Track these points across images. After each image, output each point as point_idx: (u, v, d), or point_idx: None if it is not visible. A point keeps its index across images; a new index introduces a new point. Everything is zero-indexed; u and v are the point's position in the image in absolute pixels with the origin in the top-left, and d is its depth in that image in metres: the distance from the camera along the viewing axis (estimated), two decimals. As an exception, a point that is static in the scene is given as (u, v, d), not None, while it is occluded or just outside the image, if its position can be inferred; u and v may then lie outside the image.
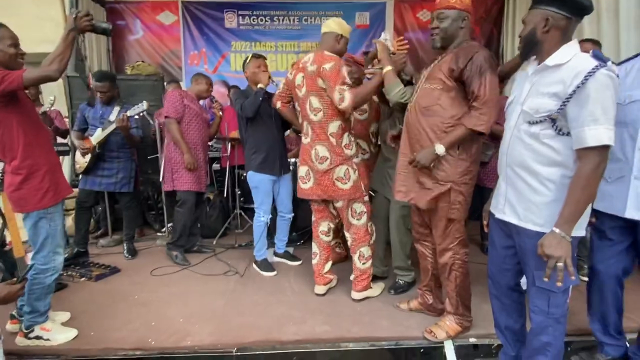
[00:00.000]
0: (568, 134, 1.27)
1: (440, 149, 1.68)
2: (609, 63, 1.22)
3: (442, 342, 1.85)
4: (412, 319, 2.05)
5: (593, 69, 1.20)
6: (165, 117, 2.86)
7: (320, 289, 2.35)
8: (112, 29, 1.84)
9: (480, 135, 1.72)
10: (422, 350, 1.88)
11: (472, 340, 1.89)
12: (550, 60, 1.32)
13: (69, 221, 3.49)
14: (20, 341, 1.85)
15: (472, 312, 1.92)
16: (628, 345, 1.75)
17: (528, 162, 1.35)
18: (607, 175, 1.55)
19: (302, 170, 2.29)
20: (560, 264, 1.22)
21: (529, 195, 1.36)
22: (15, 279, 1.67)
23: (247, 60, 2.72)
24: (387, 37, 2.10)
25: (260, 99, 2.53)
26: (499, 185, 1.52)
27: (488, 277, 1.63)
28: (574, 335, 1.86)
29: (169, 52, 4.97)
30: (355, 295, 2.26)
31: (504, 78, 2.11)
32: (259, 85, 2.57)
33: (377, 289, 2.34)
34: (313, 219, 2.41)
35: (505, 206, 1.45)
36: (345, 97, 2.01)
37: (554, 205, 1.30)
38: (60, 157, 3.45)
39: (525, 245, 1.39)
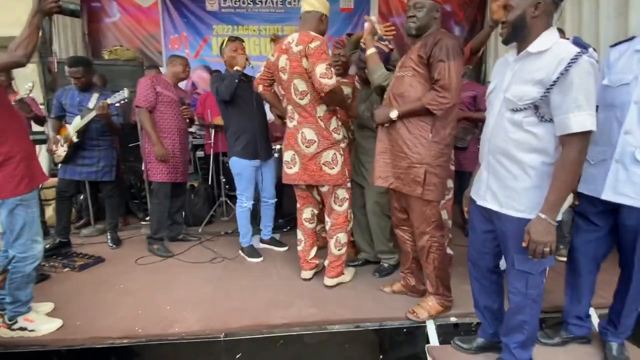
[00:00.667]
0: (550, 120, 1.30)
1: (394, 113, 1.78)
2: (590, 49, 1.23)
3: (424, 322, 1.92)
4: (396, 300, 2.11)
5: (576, 55, 1.21)
6: (136, 106, 2.77)
7: (306, 274, 2.39)
8: (80, 10, 1.77)
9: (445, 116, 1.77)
10: (405, 330, 1.94)
11: (453, 319, 1.96)
12: (532, 47, 1.32)
13: (50, 211, 3.43)
14: (4, 332, 1.83)
15: (453, 293, 1.99)
16: (595, 325, 1.85)
17: (510, 150, 1.37)
18: (590, 158, 1.59)
19: (287, 155, 2.26)
20: (547, 249, 1.27)
21: (510, 183, 1.39)
22: (-6, 270, 1.65)
23: (224, 44, 2.67)
24: (374, 20, 2.08)
25: (237, 81, 2.50)
26: (480, 172, 1.55)
27: (468, 260, 1.69)
28: (549, 312, 1.95)
29: (148, 36, 4.81)
30: (328, 281, 2.27)
31: (476, 52, 2.18)
32: (236, 68, 2.53)
33: (348, 275, 2.37)
34: (297, 205, 2.42)
35: (487, 193, 1.48)
36: (331, 77, 1.96)
37: (533, 192, 1.34)
38: (38, 146, 3.36)
39: (506, 230, 1.43)
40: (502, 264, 1.59)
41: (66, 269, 2.57)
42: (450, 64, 1.68)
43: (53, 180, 3.34)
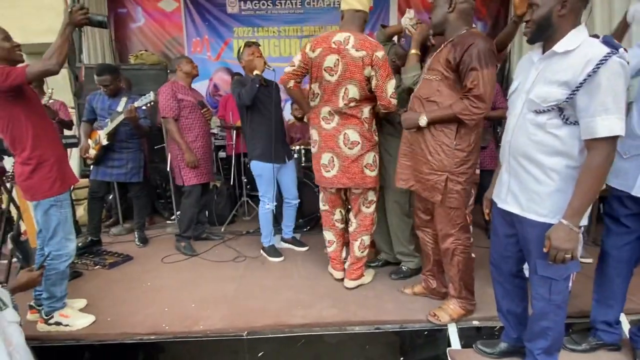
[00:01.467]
0: (575, 123, 1.25)
1: (422, 120, 1.72)
2: (621, 50, 1.18)
3: (446, 325, 1.91)
4: (417, 302, 2.10)
5: (605, 56, 1.16)
6: (162, 117, 2.86)
7: (339, 274, 2.37)
8: (107, 21, 1.86)
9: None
10: (426, 332, 1.93)
11: (475, 323, 1.94)
12: (559, 47, 1.27)
13: (81, 211, 3.59)
14: (41, 327, 1.94)
15: (476, 295, 1.97)
16: (625, 331, 1.78)
17: (532, 153, 1.34)
18: (623, 151, 1.53)
19: (325, 158, 2.19)
20: (568, 256, 1.24)
21: (532, 186, 1.36)
22: (33, 266, 1.75)
23: (241, 50, 2.71)
24: (411, 17, 2.07)
25: (257, 85, 2.53)
26: (501, 175, 1.52)
27: (490, 264, 1.67)
28: (575, 317, 1.90)
29: (171, 40, 4.94)
30: (349, 283, 2.27)
31: (501, 49, 2.06)
32: (255, 72, 2.56)
33: (368, 276, 2.37)
34: (325, 207, 2.39)
35: (508, 196, 1.45)
36: (396, 97, 2.02)
37: (557, 196, 1.31)
38: (69, 149, 3.52)
39: (528, 235, 1.40)
40: (526, 269, 1.56)
41: (97, 267, 2.70)
42: (484, 72, 1.60)
43: (84, 181, 3.50)
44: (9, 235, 2.28)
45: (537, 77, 1.34)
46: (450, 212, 1.81)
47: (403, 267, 2.44)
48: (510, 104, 1.47)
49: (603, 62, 1.16)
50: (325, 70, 2.06)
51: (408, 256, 2.43)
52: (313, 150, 2.28)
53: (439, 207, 1.82)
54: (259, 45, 2.77)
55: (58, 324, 1.93)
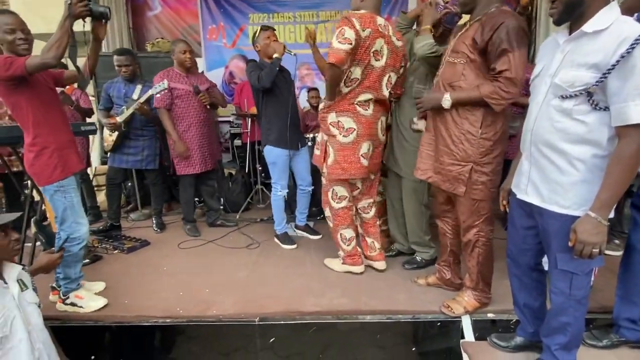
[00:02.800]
0: (605, 108, 1.17)
1: (446, 101, 1.64)
2: None
3: (460, 317, 1.87)
4: (430, 293, 2.07)
5: None
6: (155, 107, 2.85)
7: (361, 268, 2.32)
8: (109, 12, 1.82)
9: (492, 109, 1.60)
10: (439, 323, 1.90)
11: (491, 315, 1.89)
12: (588, 26, 1.18)
13: (102, 196, 3.69)
14: (59, 306, 2.02)
15: (492, 287, 1.91)
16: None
17: (556, 141, 1.26)
18: None
19: (365, 147, 2.10)
20: (595, 250, 1.17)
21: (555, 176, 1.29)
22: (53, 248, 1.81)
23: (257, 34, 2.66)
24: None
25: (277, 69, 2.50)
26: (521, 164, 1.45)
27: (507, 257, 1.61)
28: (596, 313, 1.83)
29: (187, 27, 4.94)
30: (383, 264, 2.33)
31: None
32: (275, 55, 2.53)
33: (335, 264, 2.41)
34: (344, 204, 2.24)
35: (528, 186, 1.39)
36: None
37: (581, 187, 1.24)
38: (90, 137, 3.60)
39: (549, 227, 1.33)
40: (545, 262, 1.50)
41: (116, 251, 2.78)
42: (515, 53, 1.48)
43: (104, 168, 3.58)
44: (32, 219, 2.36)
45: (563, 60, 1.25)
46: (475, 204, 1.73)
47: (417, 258, 2.40)
48: (533, 89, 1.39)
49: (638, 41, 1.07)
50: (372, 54, 1.93)
51: (423, 247, 2.38)
52: (345, 139, 2.08)
53: (463, 198, 1.74)
54: (275, 29, 2.73)
55: (73, 304, 2.00)
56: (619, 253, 1.71)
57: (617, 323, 1.68)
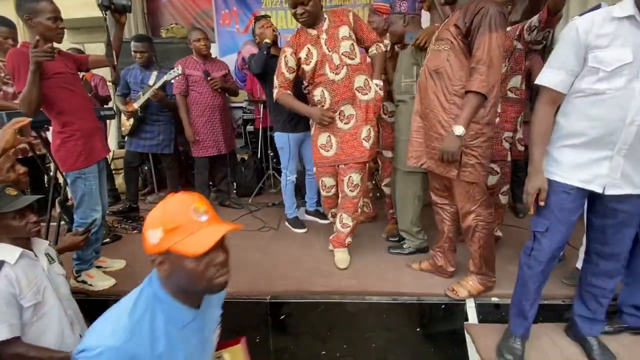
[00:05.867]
0: None
1: (458, 129, 1.61)
2: None
3: (464, 300, 1.92)
4: (435, 278, 2.12)
5: None
6: (174, 94, 3.02)
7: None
8: (131, 4, 1.83)
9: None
10: (443, 306, 1.96)
11: (495, 299, 1.93)
12: None
13: (120, 179, 3.82)
14: (72, 282, 2.11)
15: (497, 274, 1.95)
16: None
17: None
18: None
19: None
20: None
21: None
22: (79, 229, 1.92)
23: (254, 25, 2.80)
24: None
25: (265, 53, 2.56)
26: (608, 160, 1.35)
27: (547, 259, 1.50)
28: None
29: (200, 12, 4.95)
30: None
31: (555, 12, 1.87)
32: (265, 41, 2.61)
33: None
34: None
35: (622, 180, 1.35)
36: None
37: None
38: (108, 122, 3.70)
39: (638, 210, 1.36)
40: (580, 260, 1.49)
41: (135, 231, 2.90)
42: (492, 34, 1.53)
43: (121, 152, 3.69)
44: (57, 200, 2.49)
45: None
46: (470, 189, 1.77)
47: (404, 245, 2.42)
48: (619, 77, 1.25)
49: None
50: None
51: (410, 236, 2.39)
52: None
53: (457, 184, 1.79)
54: (269, 17, 2.86)
55: (84, 282, 2.11)
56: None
57: (621, 309, 1.70)
